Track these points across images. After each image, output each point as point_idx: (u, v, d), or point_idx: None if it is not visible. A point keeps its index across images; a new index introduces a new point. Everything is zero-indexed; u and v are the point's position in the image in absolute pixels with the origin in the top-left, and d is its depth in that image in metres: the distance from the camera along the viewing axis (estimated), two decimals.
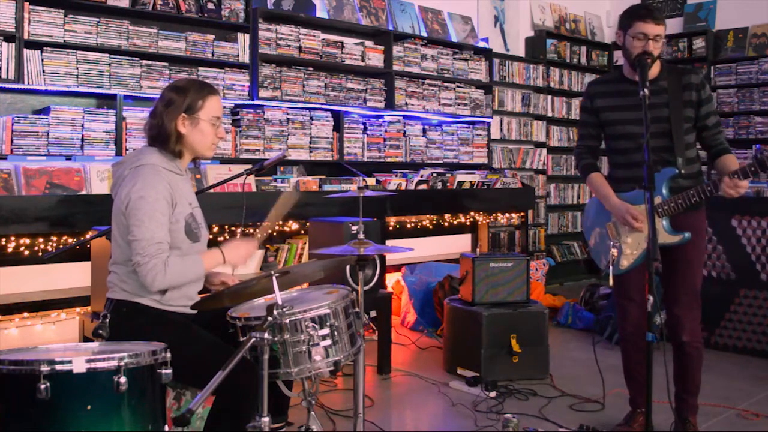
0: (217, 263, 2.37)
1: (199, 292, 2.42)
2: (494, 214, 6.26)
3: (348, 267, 3.60)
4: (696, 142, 2.93)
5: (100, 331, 2.20)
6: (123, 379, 1.66)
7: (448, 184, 5.60)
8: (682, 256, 2.88)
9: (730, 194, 2.67)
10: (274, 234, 4.78)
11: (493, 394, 3.57)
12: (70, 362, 1.64)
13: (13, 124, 3.95)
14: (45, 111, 4.13)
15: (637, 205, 2.84)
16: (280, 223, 4.65)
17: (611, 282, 2.89)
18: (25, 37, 4.00)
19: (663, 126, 2.82)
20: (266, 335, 1.81)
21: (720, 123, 2.94)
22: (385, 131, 5.78)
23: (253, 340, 1.80)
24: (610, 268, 2.87)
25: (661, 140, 2.82)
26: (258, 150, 4.97)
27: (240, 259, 2.42)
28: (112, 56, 4.33)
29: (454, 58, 6.28)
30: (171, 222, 2.27)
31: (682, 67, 2.95)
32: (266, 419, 1.85)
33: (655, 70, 2.87)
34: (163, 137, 2.34)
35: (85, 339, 3.39)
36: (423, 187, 5.44)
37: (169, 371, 1.79)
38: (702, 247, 2.97)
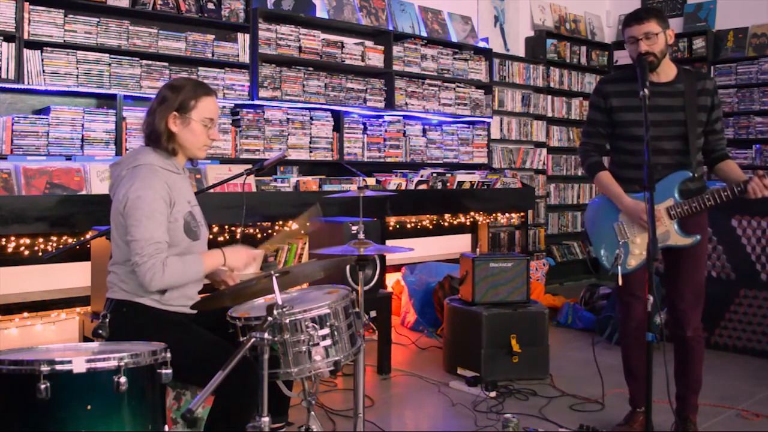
0: (217, 264, 2.37)
1: (200, 292, 2.43)
2: (494, 214, 6.26)
3: (348, 267, 3.60)
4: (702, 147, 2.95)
5: (100, 331, 2.20)
6: (123, 379, 1.66)
7: (448, 184, 5.60)
8: (688, 254, 2.90)
9: (757, 194, 2.68)
10: (275, 234, 4.78)
11: (493, 394, 3.57)
12: (70, 362, 1.64)
13: (13, 124, 3.94)
14: (45, 111, 4.13)
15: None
16: (280, 222, 4.65)
17: (620, 282, 2.87)
18: (25, 37, 3.99)
19: (678, 129, 2.84)
20: (266, 335, 1.81)
21: (724, 129, 2.97)
22: (385, 131, 5.78)
23: (253, 340, 1.80)
24: (618, 267, 2.85)
25: (676, 143, 2.84)
26: (258, 150, 4.97)
27: (240, 264, 2.43)
28: (112, 56, 4.33)
29: (454, 58, 6.28)
30: (170, 221, 2.27)
31: (696, 72, 2.96)
32: (266, 419, 1.85)
33: (671, 73, 2.89)
34: (155, 135, 2.35)
35: (85, 339, 3.39)
36: (423, 187, 5.43)
37: (169, 371, 1.79)
38: (705, 244, 3.00)
